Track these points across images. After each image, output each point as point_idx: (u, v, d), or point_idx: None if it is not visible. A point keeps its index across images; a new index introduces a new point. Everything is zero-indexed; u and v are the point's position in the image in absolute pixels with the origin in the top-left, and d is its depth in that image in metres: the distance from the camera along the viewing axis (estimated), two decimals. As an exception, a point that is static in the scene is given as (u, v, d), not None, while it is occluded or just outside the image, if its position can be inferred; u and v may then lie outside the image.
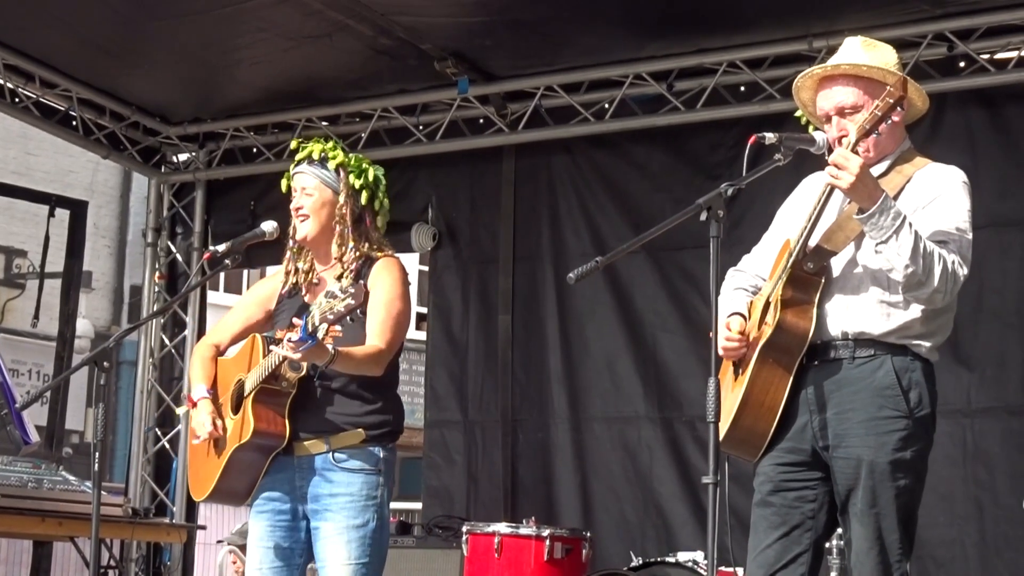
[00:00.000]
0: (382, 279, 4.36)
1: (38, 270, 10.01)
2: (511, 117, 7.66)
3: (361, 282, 4.22)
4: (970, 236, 3.83)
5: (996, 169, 6.52)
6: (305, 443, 4.31)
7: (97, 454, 4.64)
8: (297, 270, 4.51)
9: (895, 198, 3.76)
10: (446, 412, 7.86)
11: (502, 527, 6.40)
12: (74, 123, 8.09)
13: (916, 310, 3.81)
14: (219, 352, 4.57)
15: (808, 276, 3.85)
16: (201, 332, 8.18)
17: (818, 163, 3.95)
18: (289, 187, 4.54)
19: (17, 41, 7.43)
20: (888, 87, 3.75)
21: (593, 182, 7.63)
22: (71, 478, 6.77)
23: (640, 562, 6.19)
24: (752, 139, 3.86)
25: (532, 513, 6.66)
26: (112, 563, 7.51)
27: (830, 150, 3.85)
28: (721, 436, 3.76)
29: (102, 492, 4.71)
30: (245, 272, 14.86)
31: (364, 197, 4.46)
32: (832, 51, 4.25)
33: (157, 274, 8.65)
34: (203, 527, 7.19)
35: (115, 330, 16.29)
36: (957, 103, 6.64)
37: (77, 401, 14.68)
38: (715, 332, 3.75)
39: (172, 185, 8.72)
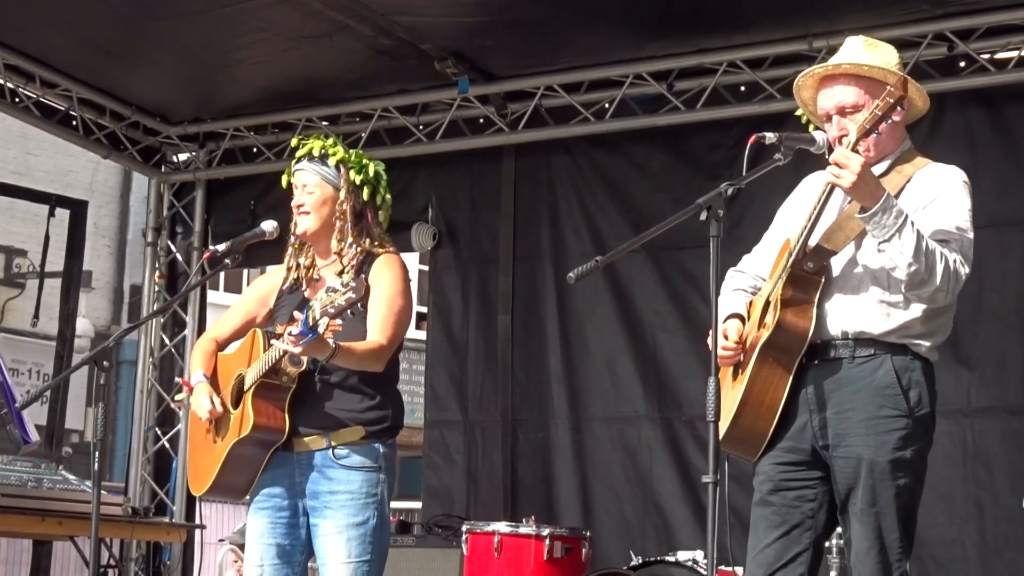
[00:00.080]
0: (383, 275, 4.36)
1: (38, 270, 10.02)
2: (511, 117, 7.66)
3: (362, 276, 4.23)
4: (971, 235, 3.84)
5: (996, 169, 6.52)
6: (305, 439, 4.31)
7: (97, 453, 4.63)
8: (298, 266, 4.52)
9: (895, 198, 3.76)
10: (446, 412, 7.87)
11: (502, 526, 6.40)
12: (74, 123, 8.09)
13: (916, 310, 3.82)
14: (219, 347, 4.58)
15: (808, 275, 3.85)
16: (201, 332, 8.14)
17: (818, 163, 3.96)
18: (290, 183, 4.55)
19: (17, 41, 7.43)
20: (888, 87, 3.75)
21: (593, 182, 7.63)
22: (71, 477, 6.76)
23: (640, 561, 6.19)
24: (752, 139, 3.86)
25: (532, 512, 6.66)
26: (112, 562, 7.50)
27: (830, 150, 3.85)
28: (721, 435, 3.76)
29: (102, 491, 4.71)
30: (245, 272, 14.85)
31: (365, 193, 4.47)
32: (832, 51, 4.25)
33: (157, 274, 8.65)
34: (203, 526, 7.17)
35: (115, 330, 16.30)
36: (957, 103, 6.65)
37: (77, 401, 14.70)
38: (714, 334, 3.75)
39: (172, 185, 8.73)
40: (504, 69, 7.46)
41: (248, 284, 5.10)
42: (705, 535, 3.62)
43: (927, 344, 3.85)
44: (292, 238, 4.53)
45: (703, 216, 3.73)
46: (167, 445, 8.44)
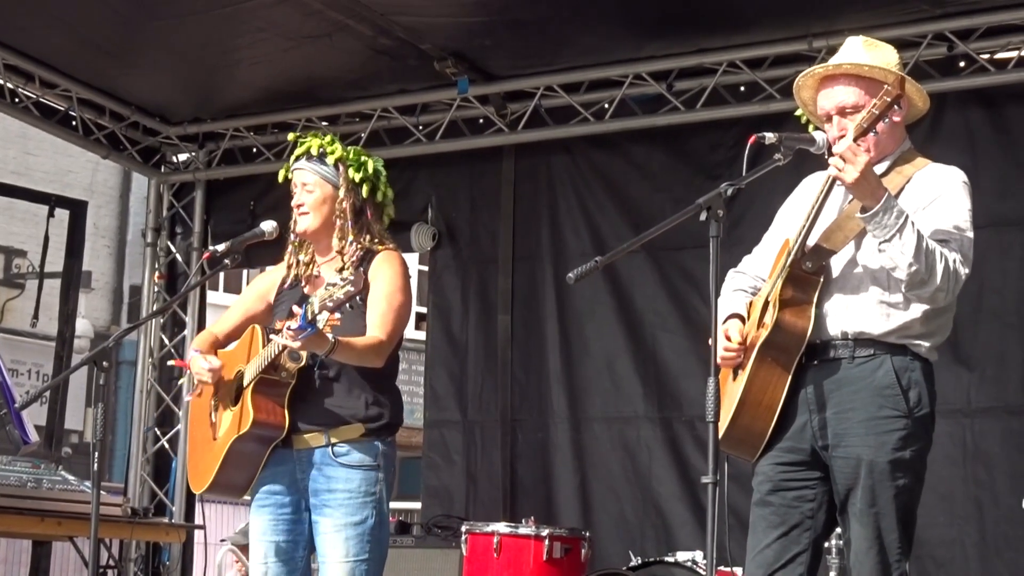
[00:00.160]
0: (383, 271, 4.36)
1: (38, 270, 10.01)
2: (511, 117, 7.66)
3: (360, 270, 4.23)
4: (971, 235, 3.84)
5: (996, 169, 6.52)
6: (305, 435, 4.31)
7: (96, 454, 4.62)
8: (298, 263, 4.52)
9: (895, 198, 3.76)
10: (445, 412, 7.86)
11: (501, 527, 6.40)
12: (74, 123, 8.09)
13: (916, 310, 3.81)
14: (218, 342, 4.58)
15: (807, 275, 3.85)
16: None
17: (818, 163, 3.96)
18: (288, 180, 4.54)
19: (17, 41, 7.43)
20: (885, 85, 3.75)
21: (593, 182, 7.63)
22: (70, 478, 6.76)
23: (639, 562, 6.19)
24: (752, 139, 3.86)
25: (531, 513, 6.65)
26: (111, 563, 7.50)
27: (830, 150, 3.85)
28: (720, 435, 3.76)
29: (101, 492, 4.70)
30: (245, 272, 14.85)
31: (365, 190, 4.47)
32: (832, 51, 4.25)
33: (157, 274, 8.65)
34: (202, 527, 7.16)
35: (115, 330, 16.29)
36: (957, 103, 6.64)
37: (77, 401, 14.70)
38: (714, 335, 3.74)
39: (172, 185, 8.72)
40: (504, 69, 7.46)
41: (248, 284, 5.09)
42: (704, 535, 3.62)
43: (927, 344, 3.85)
44: (292, 236, 4.53)
45: (703, 216, 3.73)
46: (166, 445, 8.44)
